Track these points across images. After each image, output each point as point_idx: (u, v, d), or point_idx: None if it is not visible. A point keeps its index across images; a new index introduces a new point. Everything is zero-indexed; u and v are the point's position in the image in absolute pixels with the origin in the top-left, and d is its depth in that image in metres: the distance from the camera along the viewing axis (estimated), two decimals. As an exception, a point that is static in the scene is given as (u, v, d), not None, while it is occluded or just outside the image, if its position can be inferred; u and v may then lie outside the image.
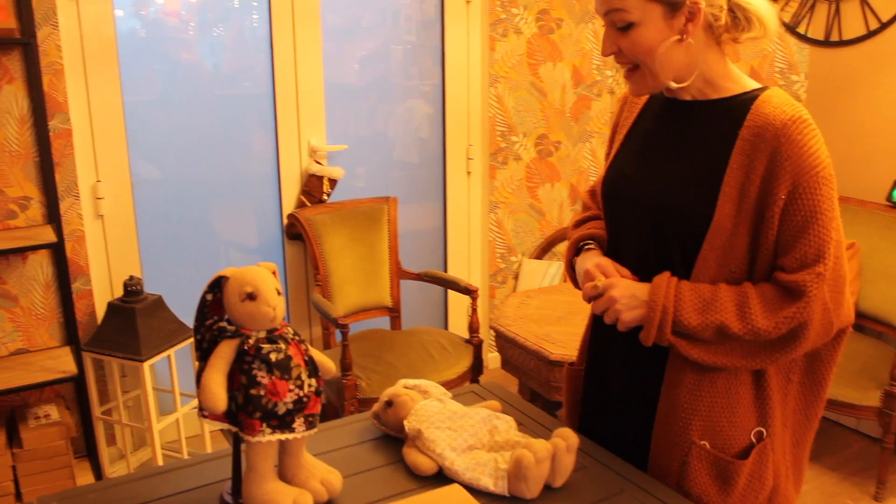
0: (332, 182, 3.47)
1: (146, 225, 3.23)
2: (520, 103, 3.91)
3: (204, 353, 1.26)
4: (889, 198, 3.32)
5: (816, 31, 3.59)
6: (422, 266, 3.75)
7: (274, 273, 1.28)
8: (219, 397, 1.20)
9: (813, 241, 1.28)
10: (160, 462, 2.94)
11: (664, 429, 1.43)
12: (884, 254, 3.23)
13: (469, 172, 3.95)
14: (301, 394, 1.24)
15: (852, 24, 3.46)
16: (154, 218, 3.25)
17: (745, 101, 1.34)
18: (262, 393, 1.21)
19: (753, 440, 1.41)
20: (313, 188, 3.45)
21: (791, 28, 3.65)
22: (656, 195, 1.40)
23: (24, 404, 2.96)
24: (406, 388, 1.54)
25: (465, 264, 4.05)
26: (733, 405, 1.39)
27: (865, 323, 3.30)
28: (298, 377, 1.24)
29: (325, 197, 3.46)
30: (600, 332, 1.58)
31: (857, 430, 3.59)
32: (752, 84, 1.39)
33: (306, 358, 1.27)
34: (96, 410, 3.01)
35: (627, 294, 1.36)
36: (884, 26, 3.36)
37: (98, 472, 3.01)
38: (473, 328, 3.28)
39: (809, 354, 1.43)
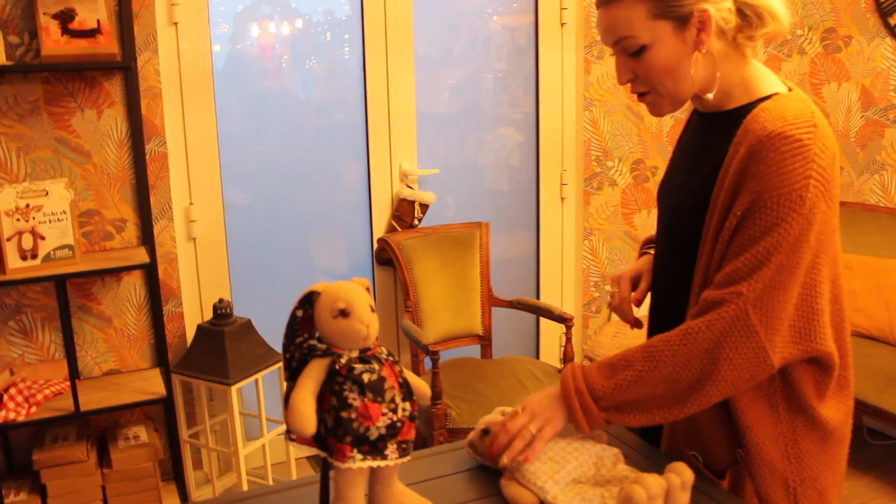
0: (424, 207, 3.41)
1: (236, 249, 3.23)
2: (615, 127, 3.79)
3: (293, 373, 1.19)
4: None
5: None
6: (513, 294, 3.65)
7: (367, 289, 1.20)
8: (308, 419, 1.12)
9: (749, 261, 1.21)
10: (245, 488, 2.90)
11: (666, 436, 1.45)
12: None
13: (563, 198, 3.84)
14: (395, 418, 1.16)
15: None
16: (244, 242, 3.25)
17: (744, 114, 1.29)
18: (354, 416, 1.13)
19: (739, 458, 1.34)
20: (404, 213, 3.40)
21: (884, 14, 3.42)
22: (673, 206, 1.44)
23: (114, 425, 2.96)
24: (503, 415, 1.44)
25: (558, 292, 3.93)
26: (714, 420, 1.35)
27: None
28: (392, 400, 1.16)
29: (416, 222, 3.40)
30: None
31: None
32: (768, 90, 1.31)
33: (400, 380, 1.19)
34: (184, 433, 2.99)
35: (545, 400, 1.34)
36: None
37: (184, 496, 2.98)
38: (568, 357, 3.15)
39: (787, 381, 1.30)
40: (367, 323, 1.15)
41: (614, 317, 3.93)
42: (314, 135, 3.36)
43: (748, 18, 1.27)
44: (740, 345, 1.22)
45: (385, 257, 3.35)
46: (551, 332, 3.94)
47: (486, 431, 1.41)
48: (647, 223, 3.99)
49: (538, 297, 3.90)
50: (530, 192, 3.82)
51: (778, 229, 1.19)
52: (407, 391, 1.19)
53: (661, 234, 1.50)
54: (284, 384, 1.22)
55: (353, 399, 1.13)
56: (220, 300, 2.91)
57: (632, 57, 1.28)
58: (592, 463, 1.32)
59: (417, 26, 3.41)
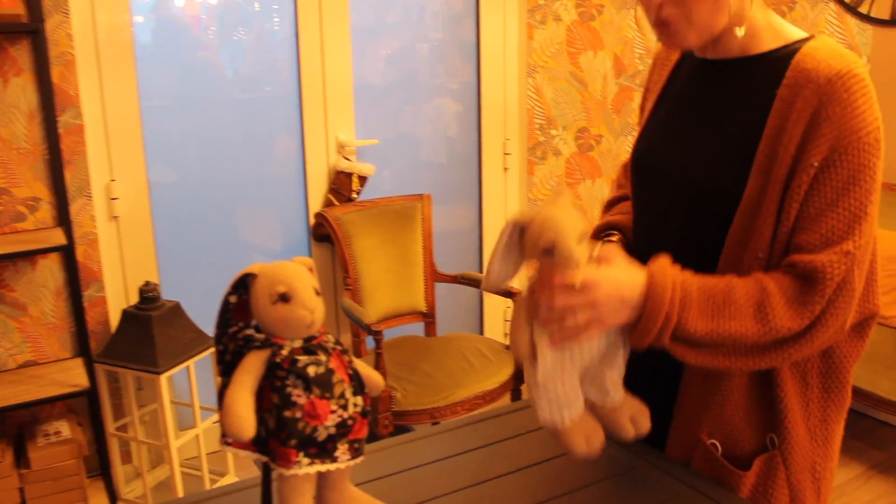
0: (362, 179, 3.25)
1: (163, 228, 3.03)
2: (559, 94, 3.67)
3: (227, 368, 1.03)
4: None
5: (881, 10, 3.32)
6: (456, 268, 3.52)
7: (311, 270, 1.05)
8: (245, 421, 0.97)
9: (843, 215, 1.08)
10: (179, 481, 2.72)
11: (676, 420, 1.27)
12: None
13: (506, 169, 3.71)
14: (345, 415, 1.01)
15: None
16: (172, 221, 3.05)
17: (785, 56, 1.14)
18: (299, 415, 0.98)
19: (768, 445, 1.21)
20: (342, 186, 3.23)
21: (852, 8, 3.39)
22: (687, 171, 1.20)
23: (32, 420, 2.75)
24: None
25: (502, 267, 3.82)
26: (747, 402, 1.21)
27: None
28: (342, 395, 1.01)
29: (354, 195, 3.24)
30: None
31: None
32: (798, 34, 1.18)
33: (350, 372, 1.05)
34: (110, 426, 2.80)
35: (615, 298, 1.09)
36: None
37: (112, 493, 2.79)
38: (515, 334, 3.04)
39: (826, 353, 1.20)
40: (312, 308, 1.00)
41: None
42: (244, 108, 3.16)
43: None
44: (841, 311, 1.10)
45: (323, 233, 3.18)
46: (496, 306, 3.83)
47: (521, 227, 1.11)
48: (593, 193, 3.89)
49: (482, 271, 3.78)
50: (472, 163, 3.69)
51: (864, 176, 1.08)
52: (358, 384, 1.05)
53: (650, 212, 1.32)
54: (218, 379, 1.06)
55: (298, 396, 0.98)
56: (147, 283, 2.72)
57: None
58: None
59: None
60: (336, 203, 3.22)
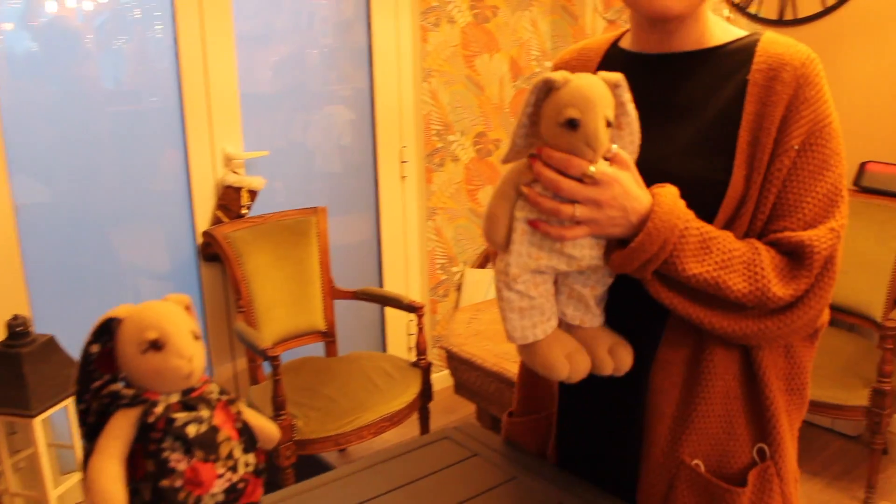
0: (252, 194, 3.06)
1: (34, 255, 2.76)
2: (456, 99, 3.57)
3: (90, 431, 0.87)
4: (856, 182, 3.10)
5: (769, 10, 3.35)
6: (355, 283, 3.38)
7: (188, 308, 0.90)
8: (113, 497, 0.81)
9: (822, 199, 1.06)
10: (63, 532, 2.48)
11: (651, 447, 1.14)
12: (855, 241, 2.99)
13: (404, 177, 3.58)
14: (235, 478, 0.88)
15: (807, 1, 3.24)
16: (44, 246, 2.79)
17: (745, 46, 1.12)
18: (179, 484, 0.83)
19: (756, 458, 1.13)
20: (230, 201, 3.04)
21: (741, 8, 3.41)
22: (665, 166, 1.10)
23: None
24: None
25: (403, 278, 3.69)
26: (731, 413, 1.12)
27: (838, 316, 3.05)
28: (230, 455, 0.87)
29: (244, 210, 3.05)
30: None
31: (832, 429, 3.37)
32: (740, 31, 1.16)
33: (239, 426, 0.90)
34: (-19, 477, 2.53)
35: (620, 205, 1.00)
36: (842, 1, 3.14)
37: (-13, 550, 2.53)
38: (421, 349, 2.92)
39: (790, 355, 1.15)
40: (190, 356, 0.86)
41: (464, 301, 3.74)
42: (124, 120, 2.93)
43: None
44: (827, 288, 1.06)
45: (212, 252, 2.99)
46: (398, 322, 3.69)
47: (550, 86, 0.98)
48: (492, 199, 3.81)
49: (382, 285, 3.64)
50: (368, 172, 3.55)
51: (837, 161, 1.07)
52: (249, 439, 0.91)
53: None
54: (81, 444, 0.90)
55: (177, 461, 0.84)
56: (15, 316, 2.47)
57: None
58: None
59: (235, 1, 3.06)
60: (225, 220, 3.02)
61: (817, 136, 1.06)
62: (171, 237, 3.08)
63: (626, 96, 1.01)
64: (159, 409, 0.85)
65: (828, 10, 3.18)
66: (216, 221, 3.04)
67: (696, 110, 1.12)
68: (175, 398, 0.86)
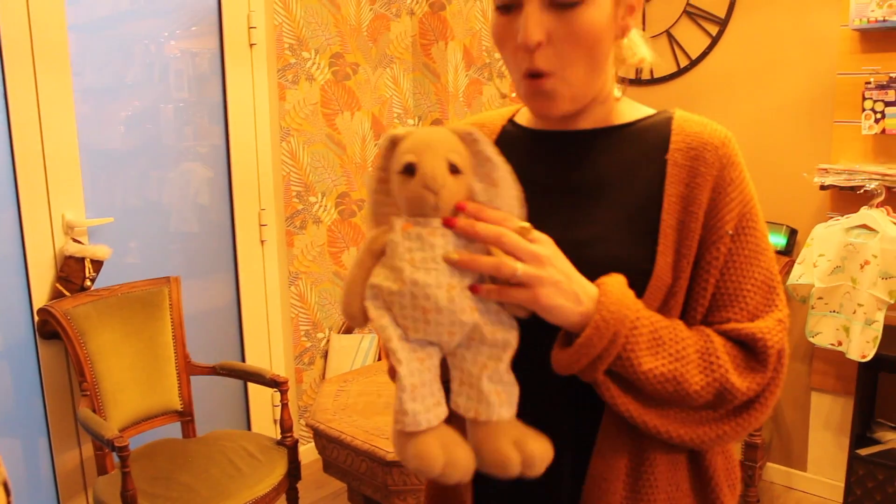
0: (97, 264, 2.82)
1: None
2: (316, 159, 3.45)
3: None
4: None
5: (627, 70, 3.42)
6: (214, 353, 3.17)
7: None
8: None
9: (762, 286, 1.00)
10: None
11: None
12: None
13: (263, 241, 3.41)
14: None
15: (662, 63, 3.33)
16: None
17: (657, 123, 1.05)
18: None
19: None
20: (72, 273, 2.79)
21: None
22: (580, 251, 0.98)
23: None
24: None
25: (265, 346, 3.50)
26: (675, 499, 1.02)
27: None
28: None
29: (88, 283, 2.80)
30: None
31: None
32: (647, 108, 1.09)
33: None
34: None
35: (565, 271, 0.91)
36: (694, 63, 3.25)
37: None
38: (286, 426, 2.74)
39: (724, 450, 1.08)
40: None
41: (331, 369, 3.58)
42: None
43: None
44: (781, 379, 1.01)
45: (51, 330, 2.72)
46: (262, 395, 3.49)
47: (409, 168, 0.89)
48: (357, 260, 3.69)
49: (243, 355, 3.44)
50: (225, 233, 3.36)
51: (766, 241, 1.02)
52: None
53: None
54: None
55: None
56: None
57: (555, 11, 0.94)
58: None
59: (79, 51, 2.84)
60: (67, 293, 2.77)
61: (748, 218, 1.00)
62: (5, 313, 2.78)
63: (488, 149, 0.91)
64: None
65: (682, 71, 3.28)
66: (57, 295, 2.78)
67: (611, 191, 1.03)
68: None
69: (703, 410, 0.97)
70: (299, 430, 3.48)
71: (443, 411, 0.91)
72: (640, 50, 1.06)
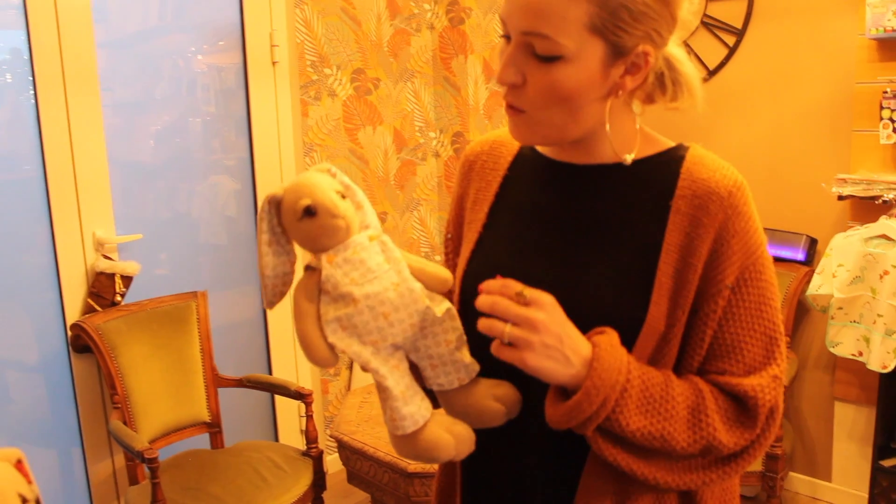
0: (127, 280, 2.90)
1: None
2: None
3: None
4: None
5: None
6: (241, 365, 3.24)
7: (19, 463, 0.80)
8: None
9: (761, 339, 1.00)
10: None
11: None
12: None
13: (288, 253, 3.48)
14: None
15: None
16: None
17: (668, 163, 1.04)
18: None
19: None
20: (103, 289, 2.87)
21: None
22: (572, 294, 0.99)
23: None
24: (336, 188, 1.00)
25: (292, 357, 3.56)
26: None
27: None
28: None
29: (118, 298, 2.89)
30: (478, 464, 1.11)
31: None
32: (668, 141, 1.08)
33: None
34: None
35: (557, 334, 0.92)
36: (711, 74, 3.27)
37: None
38: (311, 437, 2.80)
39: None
40: None
41: (356, 382, 3.64)
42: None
43: (664, 85, 1.03)
44: (771, 435, 1.02)
45: (83, 344, 2.80)
46: (289, 407, 3.55)
47: (309, 211, 0.96)
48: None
49: (270, 367, 3.50)
50: (252, 246, 3.43)
51: (772, 294, 1.01)
52: None
53: None
54: None
55: None
56: None
57: (535, 59, 0.95)
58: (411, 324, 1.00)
59: (109, 67, 2.92)
60: (98, 308, 2.85)
61: (751, 269, 0.99)
62: (39, 327, 2.88)
63: (347, 179, 1.01)
64: None
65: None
66: (89, 310, 2.86)
67: (612, 232, 1.04)
68: None
69: (690, 459, 1.00)
70: (325, 441, 3.53)
71: (429, 403, 1.01)
72: (684, 100, 1.04)
